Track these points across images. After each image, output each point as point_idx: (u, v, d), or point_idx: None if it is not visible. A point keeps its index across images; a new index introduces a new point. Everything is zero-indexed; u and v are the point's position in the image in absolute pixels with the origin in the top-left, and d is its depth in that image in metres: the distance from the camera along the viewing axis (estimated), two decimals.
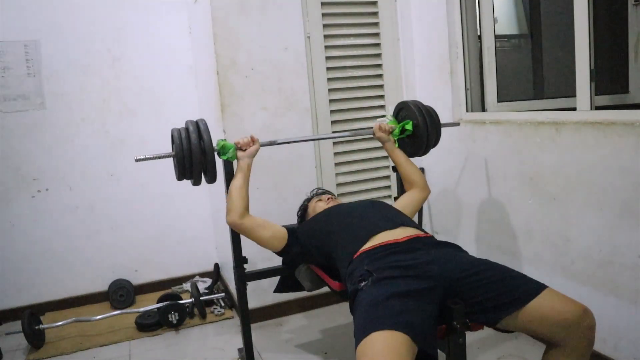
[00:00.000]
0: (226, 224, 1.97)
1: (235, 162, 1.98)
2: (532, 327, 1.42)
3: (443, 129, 2.15)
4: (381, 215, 1.82)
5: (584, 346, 1.39)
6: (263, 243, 1.97)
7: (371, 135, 2.19)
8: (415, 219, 2.93)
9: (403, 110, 2.18)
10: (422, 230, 1.77)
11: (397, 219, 1.78)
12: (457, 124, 2.41)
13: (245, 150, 1.94)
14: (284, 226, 2.02)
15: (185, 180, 1.90)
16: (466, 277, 1.47)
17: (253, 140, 1.96)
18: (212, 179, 1.89)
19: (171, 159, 1.88)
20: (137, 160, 1.82)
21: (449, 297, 1.44)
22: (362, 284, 1.47)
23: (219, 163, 1.93)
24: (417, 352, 1.30)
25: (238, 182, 1.93)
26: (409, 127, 2.11)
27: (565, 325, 1.37)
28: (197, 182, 1.89)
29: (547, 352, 1.46)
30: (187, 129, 1.84)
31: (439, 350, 1.51)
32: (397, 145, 2.15)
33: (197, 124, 1.86)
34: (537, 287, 1.44)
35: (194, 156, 1.80)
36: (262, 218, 1.98)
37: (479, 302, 1.44)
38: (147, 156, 1.83)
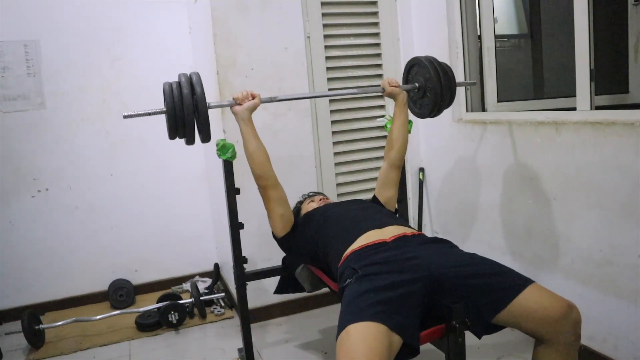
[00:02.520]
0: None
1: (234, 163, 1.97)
2: (519, 322, 1.44)
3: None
4: (370, 216, 1.83)
5: (571, 341, 1.41)
6: (272, 217, 1.96)
7: (379, 93, 2.10)
8: (416, 219, 2.94)
9: (415, 67, 2.08)
10: (411, 228, 1.78)
11: (385, 220, 1.79)
12: (474, 83, 2.32)
13: (242, 104, 1.85)
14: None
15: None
16: (451, 272, 1.48)
17: (253, 96, 1.87)
18: (206, 137, 1.77)
19: (163, 116, 1.77)
20: (125, 117, 1.72)
21: (434, 291, 1.44)
22: (348, 281, 1.50)
23: (213, 119, 1.86)
24: (401, 344, 1.32)
25: (252, 144, 1.85)
26: (408, 127, 2.12)
27: (551, 321, 1.39)
28: (190, 141, 1.77)
29: (536, 348, 1.47)
30: (179, 82, 1.73)
31: (438, 350, 1.51)
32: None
33: (189, 77, 1.75)
34: (522, 283, 1.45)
35: (186, 111, 1.68)
36: (285, 195, 1.96)
37: (463, 298, 1.44)
38: (137, 112, 1.73)
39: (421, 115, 2.13)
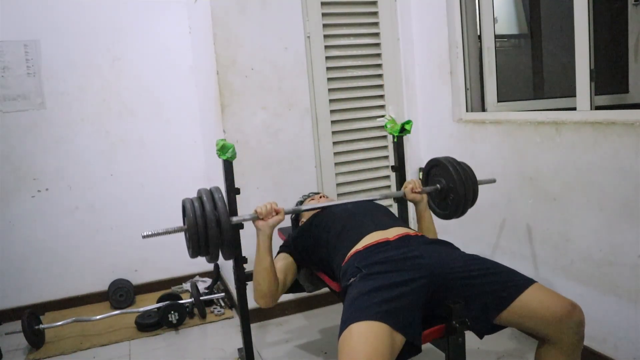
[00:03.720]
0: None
1: (235, 165, 1.97)
2: (522, 322, 1.44)
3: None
4: (374, 217, 1.84)
5: (575, 341, 1.40)
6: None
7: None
8: (415, 219, 2.94)
9: (435, 169, 2.09)
10: (414, 230, 1.79)
11: (389, 221, 1.80)
12: (494, 181, 2.19)
13: (266, 220, 1.75)
14: (282, 248, 2.04)
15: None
16: (453, 271, 1.49)
17: (276, 211, 1.77)
18: (230, 254, 1.72)
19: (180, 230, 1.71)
20: (144, 237, 1.66)
21: (436, 291, 1.45)
22: (351, 280, 1.51)
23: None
24: (404, 343, 1.33)
25: (266, 262, 1.75)
26: (408, 127, 2.13)
27: (554, 321, 1.38)
28: (213, 259, 1.71)
29: (539, 348, 1.47)
30: (200, 198, 1.69)
31: (438, 350, 1.51)
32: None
33: (211, 193, 1.70)
34: (524, 283, 1.45)
35: (210, 229, 1.62)
36: (282, 271, 1.89)
37: (465, 297, 1.44)
38: (156, 232, 1.66)
39: (445, 217, 2.10)
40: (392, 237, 1.66)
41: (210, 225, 1.63)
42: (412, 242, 1.64)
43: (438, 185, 2.07)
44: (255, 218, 1.77)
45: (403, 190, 2.05)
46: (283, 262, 1.95)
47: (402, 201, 2.30)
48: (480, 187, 2.49)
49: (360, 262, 1.55)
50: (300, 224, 2.13)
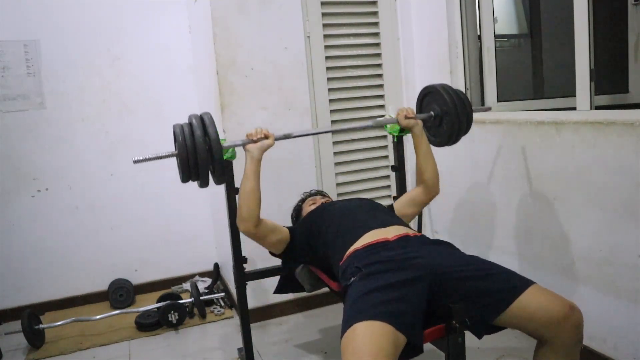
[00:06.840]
0: (238, 229, 1.89)
1: (236, 163, 1.96)
2: (521, 323, 1.43)
3: None
4: (372, 215, 1.84)
5: (573, 343, 1.40)
6: (267, 247, 1.96)
7: (391, 124, 2.04)
8: (416, 219, 2.94)
9: (429, 96, 2.03)
10: (413, 230, 1.78)
11: (388, 219, 1.80)
12: (489, 109, 2.25)
13: (256, 142, 1.79)
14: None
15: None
16: (452, 271, 1.48)
17: (266, 135, 1.82)
18: (220, 179, 1.74)
19: (173, 158, 1.71)
20: (135, 162, 1.67)
21: (435, 291, 1.44)
22: (352, 279, 1.50)
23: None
24: (405, 344, 1.32)
25: (250, 185, 1.78)
26: None
27: (552, 323, 1.38)
28: (204, 184, 1.73)
29: (538, 348, 1.47)
30: (190, 124, 1.67)
31: (438, 350, 1.51)
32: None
33: (201, 118, 1.69)
34: (522, 284, 1.45)
35: (200, 155, 1.62)
36: (270, 221, 1.92)
37: (464, 298, 1.44)
38: (147, 157, 1.67)
39: (439, 144, 2.06)
40: (391, 237, 1.65)
41: (201, 151, 1.63)
42: (411, 243, 1.64)
43: (432, 112, 2.01)
44: (247, 142, 1.80)
45: (396, 117, 1.99)
46: (279, 227, 1.94)
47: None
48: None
49: (360, 261, 1.55)
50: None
